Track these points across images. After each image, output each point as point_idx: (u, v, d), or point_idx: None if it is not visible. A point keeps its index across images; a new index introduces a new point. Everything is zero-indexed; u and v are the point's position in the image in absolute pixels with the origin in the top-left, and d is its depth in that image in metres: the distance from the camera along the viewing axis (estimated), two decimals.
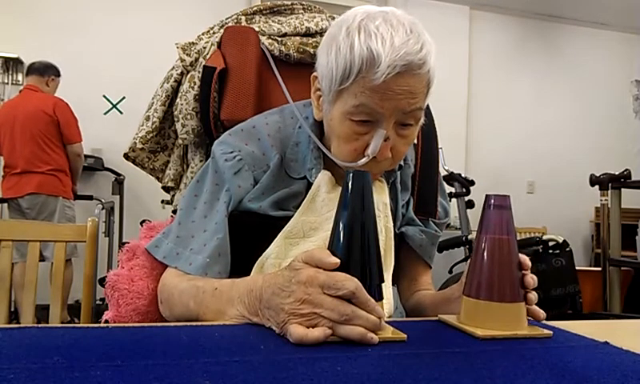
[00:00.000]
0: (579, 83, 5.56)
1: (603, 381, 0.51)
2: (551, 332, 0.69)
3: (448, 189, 3.50)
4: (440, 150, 1.11)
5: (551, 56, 5.52)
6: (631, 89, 5.80)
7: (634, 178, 3.11)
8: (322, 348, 0.57)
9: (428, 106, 1.03)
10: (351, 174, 0.66)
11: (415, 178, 1.04)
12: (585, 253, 5.42)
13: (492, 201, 0.72)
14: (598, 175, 3.23)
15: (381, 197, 0.93)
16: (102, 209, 3.55)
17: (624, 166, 3.19)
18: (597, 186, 3.24)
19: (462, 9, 5.17)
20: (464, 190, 3.72)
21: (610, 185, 3.14)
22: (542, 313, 0.73)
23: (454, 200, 3.72)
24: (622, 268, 3.16)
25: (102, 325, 0.66)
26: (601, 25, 5.60)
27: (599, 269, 3.21)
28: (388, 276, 0.91)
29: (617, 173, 3.13)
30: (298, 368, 0.50)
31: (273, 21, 1.19)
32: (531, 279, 0.72)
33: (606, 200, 3.19)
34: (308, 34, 1.18)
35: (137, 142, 1.18)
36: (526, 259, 0.72)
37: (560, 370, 0.54)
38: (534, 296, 0.73)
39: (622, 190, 3.13)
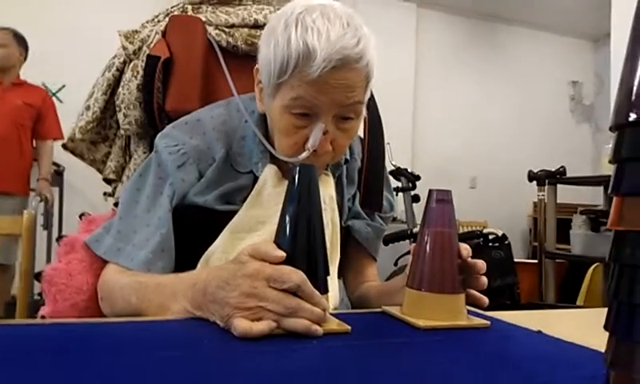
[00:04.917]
0: (520, 83, 5.78)
1: (535, 368, 0.53)
2: (489, 322, 0.72)
3: (394, 183, 3.57)
4: (387, 146, 1.13)
5: (495, 56, 5.71)
6: (568, 89, 6.10)
7: (568, 175, 3.27)
8: (266, 341, 0.57)
9: (374, 101, 1.04)
10: (297, 168, 0.66)
11: (362, 172, 1.05)
12: (523, 246, 5.65)
13: (434, 195, 0.74)
14: (535, 171, 3.38)
15: (327, 190, 0.94)
16: (40, 201, 3.39)
17: (560, 162, 3.34)
18: (534, 182, 3.38)
19: (410, 6, 5.27)
20: (410, 185, 3.79)
21: (546, 181, 3.29)
22: (485, 299, 0.76)
23: (400, 194, 3.79)
24: (557, 260, 3.31)
25: (37, 320, 0.63)
26: (542, 27, 5.85)
27: (536, 261, 3.36)
28: (334, 269, 0.92)
29: (553, 169, 3.28)
30: (241, 362, 0.50)
31: (220, 11, 1.17)
32: (481, 263, 0.74)
33: (542, 195, 3.33)
34: (256, 25, 1.17)
35: (76, 132, 1.14)
36: (466, 247, 0.74)
37: (496, 359, 0.56)
38: (485, 280, 0.75)
39: (558, 185, 3.29)
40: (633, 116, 0.33)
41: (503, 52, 5.74)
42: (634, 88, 0.33)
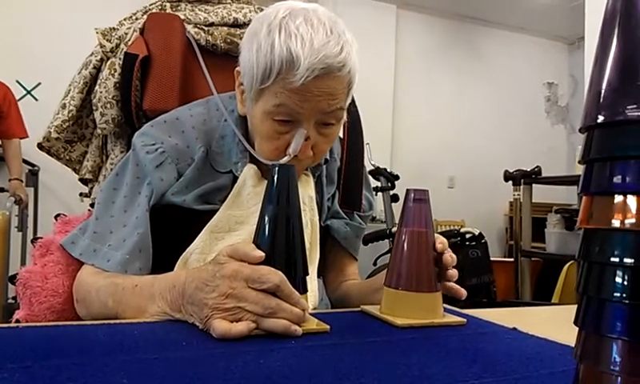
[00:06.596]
0: (498, 84, 5.86)
1: (510, 364, 0.55)
2: (465, 320, 0.73)
3: (374, 183, 3.58)
4: (367, 146, 1.14)
5: (473, 57, 5.78)
6: (543, 90, 6.21)
7: (544, 175, 3.32)
8: (245, 342, 0.57)
9: (354, 101, 1.05)
10: (276, 168, 0.66)
11: (341, 171, 1.06)
12: (499, 244, 5.73)
13: (412, 195, 0.74)
14: (511, 171, 3.43)
15: (307, 190, 0.94)
16: (15, 202, 3.32)
17: (535, 162, 3.39)
18: (510, 182, 3.43)
19: (389, 7, 5.30)
20: (389, 185, 3.82)
21: (522, 180, 3.34)
22: (462, 291, 0.78)
23: (379, 194, 3.81)
24: (533, 258, 3.37)
25: (12, 325, 0.62)
26: (519, 29, 5.94)
27: (512, 259, 3.41)
28: (313, 269, 0.92)
29: (529, 169, 3.34)
30: (220, 363, 0.50)
31: (199, 9, 1.16)
32: (450, 257, 0.75)
33: (518, 195, 3.39)
34: (236, 24, 1.16)
35: (52, 131, 1.12)
36: (442, 240, 0.75)
37: (472, 355, 0.57)
38: (454, 272, 0.76)
39: (533, 185, 3.34)
40: (601, 118, 0.34)
41: (481, 53, 5.82)
42: (602, 91, 0.34)
